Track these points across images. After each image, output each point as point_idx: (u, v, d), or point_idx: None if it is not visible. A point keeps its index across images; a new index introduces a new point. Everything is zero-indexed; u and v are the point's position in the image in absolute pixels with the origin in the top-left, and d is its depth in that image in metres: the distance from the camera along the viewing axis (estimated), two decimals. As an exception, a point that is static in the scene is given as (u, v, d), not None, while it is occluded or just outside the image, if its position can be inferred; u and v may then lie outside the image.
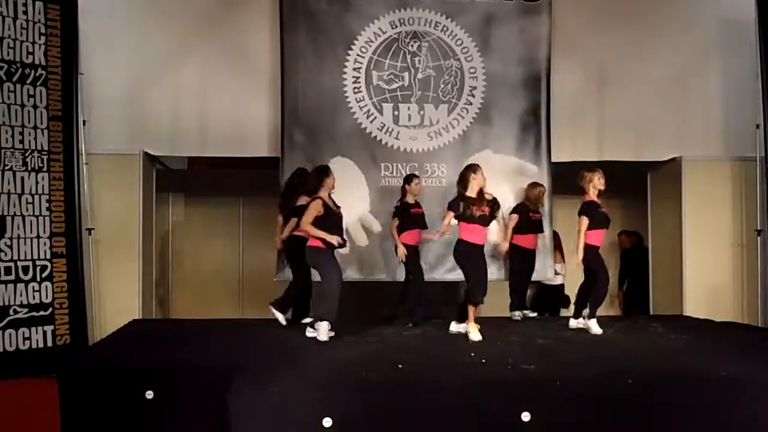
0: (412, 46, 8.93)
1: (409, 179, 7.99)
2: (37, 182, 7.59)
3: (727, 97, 9.07)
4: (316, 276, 7.27)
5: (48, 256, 7.61)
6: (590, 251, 7.19)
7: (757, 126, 8.58)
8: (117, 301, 8.38)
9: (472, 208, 6.93)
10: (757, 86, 8.55)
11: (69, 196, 7.82)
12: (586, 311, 7.41)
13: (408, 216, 7.81)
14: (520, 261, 8.30)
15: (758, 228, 8.66)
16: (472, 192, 7.01)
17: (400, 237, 7.74)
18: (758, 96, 8.54)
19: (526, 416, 5.17)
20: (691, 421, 5.32)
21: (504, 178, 8.46)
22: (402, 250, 7.71)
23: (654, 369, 5.71)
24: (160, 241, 10.01)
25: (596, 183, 7.28)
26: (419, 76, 8.93)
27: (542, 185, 8.48)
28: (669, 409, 5.29)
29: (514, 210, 8.32)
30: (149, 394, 5.37)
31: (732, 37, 9.00)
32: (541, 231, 8.45)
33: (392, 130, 8.87)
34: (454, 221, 7.08)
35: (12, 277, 7.33)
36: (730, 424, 5.31)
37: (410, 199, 7.90)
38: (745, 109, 8.84)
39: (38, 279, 7.50)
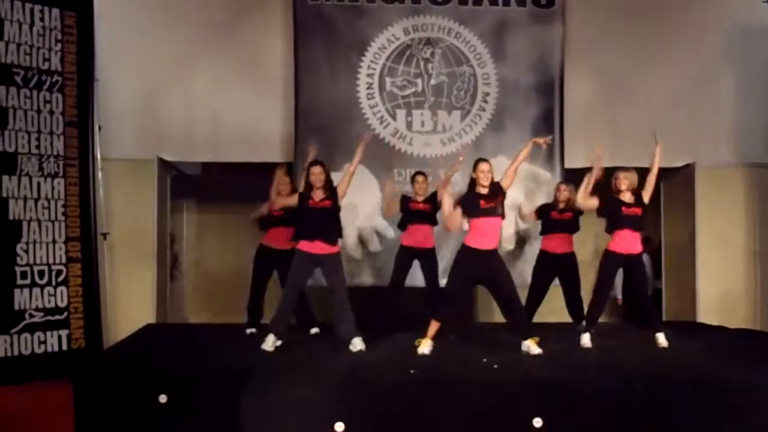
0: (425, 52, 8.96)
1: (411, 178, 7.88)
2: (53, 187, 7.63)
3: (739, 103, 9.06)
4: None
5: (63, 261, 7.65)
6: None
7: (770, 132, 8.60)
8: (131, 305, 8.43)
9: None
10: (769, 92, 8.56)
11: (84, 201, 7.86)
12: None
13: (408, 212, 7.66)
14: (539, 268, 7.95)
15: (772, 234, 8.66)
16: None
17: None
18: (771, 102, 8.54)
19: (537, 422, 5.19)
20: (704, 429, 5.32)
21: (517, 184, 8.38)
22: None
23: (667, 376, 5.70)
24: (174, 246, 10.05)
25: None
26: (432, 82, 8.96)
27: (566, 185, 7.96)
28: (682, 417, 5.29)
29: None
30: (163, 398, 5.42)
31: (744, 44, 8.99)
32: (569, 231, 7.82)
33: (405, 136, 8.90)
34: None
35: (28, 281, 7.37)
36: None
37: (414, 197, 7.73)
38: (757, 116, 8.85)
39: (54, 283, 7.54)
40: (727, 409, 5.32)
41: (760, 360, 6.31)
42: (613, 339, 7.15)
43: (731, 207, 9.05)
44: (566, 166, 8.89)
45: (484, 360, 6.10)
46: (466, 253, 6.53)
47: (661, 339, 6.94)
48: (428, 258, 7.62)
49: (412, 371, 5.67)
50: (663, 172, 9.36)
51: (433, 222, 7.60)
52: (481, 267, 6.49)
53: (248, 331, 7.66)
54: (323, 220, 6.71)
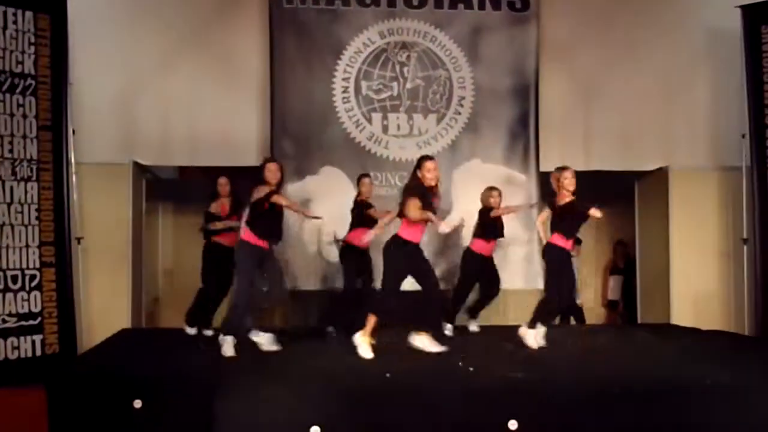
0: (401, 56, 8.99)
1: (357, 180, 8.04)
2: (26, 191, 7.58)
3: (713, 106, 9.15)
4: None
5: (37, 266, 7.60)
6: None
7: (743, 135, 8.62)
8: (106, 310, 8.37)
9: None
10: (742, 96, 8.61)
11: (58, 205, 7.81)
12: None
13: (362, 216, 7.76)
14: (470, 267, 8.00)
15: (744, 237, 8.71)
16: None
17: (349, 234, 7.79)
18: (744, 106, 8.59)
19: (513, 424, 5.20)
20: (680, 430, 5.35)
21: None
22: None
23: (641, 377, 5.74)
24: (149, 251, 9.99)
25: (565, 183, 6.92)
26: (408, 86, 8.99)
27: (495, 188, 8.02)
28: (656, 418, 5.32)
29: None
30: (137, 404, 5.38)
31: (718, 48, 9.07)
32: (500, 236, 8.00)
33: (381, 139, 8.92)
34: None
35: (1, 286, 7.30)
36: (717, 432, 5.36)
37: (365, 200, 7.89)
38: (731, 119, 8.90)
39: (27, 288, 7.49)
40: (700, 410, 5.36)
41: (732, 361, 6.36)
42: (590, 341, 7.17)
43: (705, 210, 9.12)
44: (541, 169, 8.94)
45: (460, 363, 6.11)
46: (405, 246, 6.51)
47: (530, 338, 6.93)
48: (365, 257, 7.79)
49: (387, 375, 5.67)
50: (637, 176, 9.47)
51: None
52: (413, 258, 6.54)
53: (191, 331, 7.77)
54: (280, 221, 6.75)
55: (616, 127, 9.16)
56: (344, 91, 8.90)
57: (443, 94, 9.00)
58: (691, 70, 9.18)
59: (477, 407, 5.28)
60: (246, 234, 6.64)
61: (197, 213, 9.99)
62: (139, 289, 9.11)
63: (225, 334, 6.58)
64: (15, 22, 7.58)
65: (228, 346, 6.53)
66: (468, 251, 7.95)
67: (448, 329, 7.70)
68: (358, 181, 8.01)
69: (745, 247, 8.72)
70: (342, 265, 7.92)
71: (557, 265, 6.93)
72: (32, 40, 7.70)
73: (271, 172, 6.62)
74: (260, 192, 6.53)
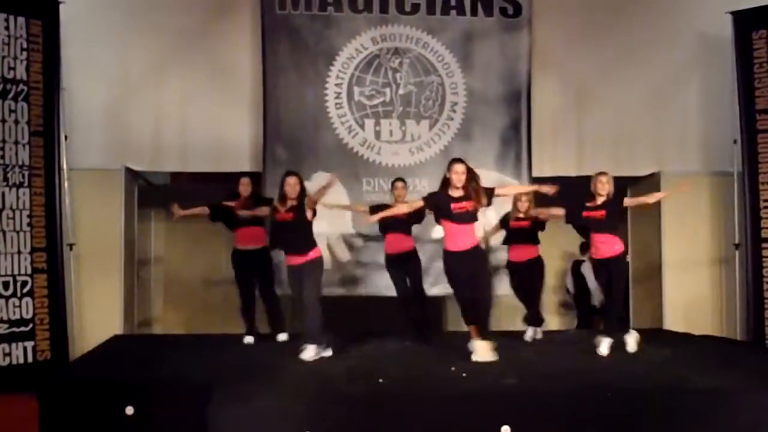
0: (393, 62, 8.99)
1: (391, 184, 7.92)
2: (18, 197, 7.57)
3: (705, 112, 9.17)
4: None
5: (29, 272, 7.58)
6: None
7: (735, 141, 8.67)
8: (98, 316, 8.35)
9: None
10: (734, 101, 8.65)
11: (50, 211, 7.80)
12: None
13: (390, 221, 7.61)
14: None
15: (736, 242, 8.74)
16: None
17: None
18: (735, 111, 8.64)
19: (505, 430, 5.19)
20: (670, 435, 5.37)
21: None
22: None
23: (633, 383, 5.75)
24: (141, 257, 9.97)
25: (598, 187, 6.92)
26: (401, 91, 9.00)
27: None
28: (648, 423, 5.32)
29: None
30: (129, 410, 5.36)
31: (710, 53, 9.10)
32: (532, 241, 7.81)
33: (374, 145, 8.92)
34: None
35: (-8, 292, 7.31)
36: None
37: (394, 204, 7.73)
38: (722, 125, 8.93)
39: (19, 294, 7.48)
40: (692, 415, 5.36)
41: (724, 366, 6.37)
42: (581, 346, 7.17)
43: (697, 215, 9.13)
44: (534, 174, 8.95)
45: (453, 369, 6.11)
46: (449, 256, 6.49)
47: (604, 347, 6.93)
48: (411, 261, 7.67)
49: (380, 380, 5.67)
50: (629, 181, 9.49)
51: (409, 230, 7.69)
52: (458, 266, 6.47)
53: (245, 340, 7.66)
54: (286, 233, 6.73)
55: (608, 133, 9.18)
56: (337, 97, 8.91)
57: (436, 100, 9.01)
58: (682, 75, 9.20)
59: (469, 413, 5.27)
60: None
61: (189, 220, 10.03)
62: (131, 295, 9.09)
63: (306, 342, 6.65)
64: (7, 28, 7.58)
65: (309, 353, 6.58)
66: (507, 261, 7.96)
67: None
68: (392, 186, 7.86)
69: (736, 252, 8.75)
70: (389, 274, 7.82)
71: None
72: (24, 45, 7.71)
73: (290, 186, 6.71)
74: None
